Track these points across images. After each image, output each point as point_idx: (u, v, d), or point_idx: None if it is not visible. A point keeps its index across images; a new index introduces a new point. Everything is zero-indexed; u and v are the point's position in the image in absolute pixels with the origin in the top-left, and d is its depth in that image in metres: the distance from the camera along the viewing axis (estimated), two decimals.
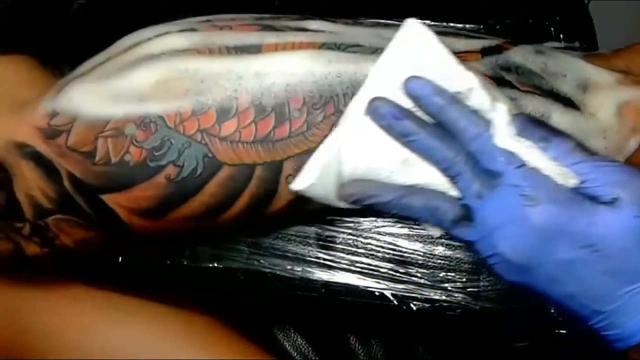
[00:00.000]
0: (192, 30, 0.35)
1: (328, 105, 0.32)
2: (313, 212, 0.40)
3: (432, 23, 0.47)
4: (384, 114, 0.30)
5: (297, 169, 0.33)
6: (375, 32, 0.36)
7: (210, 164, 0.32)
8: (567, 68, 0.36)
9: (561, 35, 0.45)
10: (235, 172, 0.32)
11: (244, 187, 0.33)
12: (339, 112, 0.32)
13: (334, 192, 0.32)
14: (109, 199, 0.33)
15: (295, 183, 0.32)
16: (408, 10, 0.48)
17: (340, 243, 0.44)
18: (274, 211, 0.34)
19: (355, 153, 0.31)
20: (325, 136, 0.32)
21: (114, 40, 0.37)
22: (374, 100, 0.31)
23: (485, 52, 0.36)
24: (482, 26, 0.46)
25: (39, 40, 0.45)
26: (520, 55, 0.36)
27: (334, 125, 0.32)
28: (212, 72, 0.32)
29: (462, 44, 0.36)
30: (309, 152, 0.32)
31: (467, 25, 0.47)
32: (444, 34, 0.37)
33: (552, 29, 0.46)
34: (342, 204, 0.33)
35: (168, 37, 0.34)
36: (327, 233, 0.44)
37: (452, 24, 0.47)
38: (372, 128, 0.31)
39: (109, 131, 0.32)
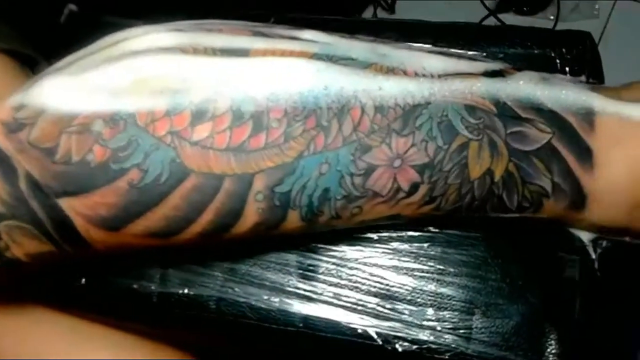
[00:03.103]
0: (179, 30, 0.33)
1: (309, 119, 0.30)
2: (292, 238, 0.37)
3: (435, 48, 0.46)
4: None
5: (269, 185, 0.30)
6: (370, 47, 0.34)
7: (176, 170, 0.29)
8: (571, 97, 0.33)
9: (567, 69, 0.43)
10: (202, 182, 0.29)
11: (209, 201, 0.30)
12: (320, 127, 0.30)
13: None
14: (65, 203, 0.30)
15: None
16: (411, 35, 0.46)
17: (322, 273, 0.41)
18: (238, 234, 0.31)
19: None
20: (302, 151, 0.30)
21: None
22: None
23: (487, 74, 0.33)
24: (484, 54, 0.44)
25: (27, 46, 0.44)
26: (524, 81, 0.33)
27: (312, 139, 0.30)
28: (193, 72, 0.30)
29: (464, 65, 0.34)
30: (283, 167, 0.30)
31: (469, 53, 0.45)
32: (447, 54, 0.35)
33: (557, 61, 0.44)
34: None
35: (153, 35, 0.32)
36: (309, 261, 0.41)
37: (454, 50, 0.45)
38: None
39: (74, 127, 0.29)
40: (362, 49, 0.33)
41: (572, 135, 0.33)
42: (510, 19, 1.18)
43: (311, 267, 0.41)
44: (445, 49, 0.36)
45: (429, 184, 0.32)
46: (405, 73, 0.32)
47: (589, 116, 0.33)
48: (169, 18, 0.38)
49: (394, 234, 0.41)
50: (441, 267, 0.40)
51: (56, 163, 0.29)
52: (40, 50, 0.45)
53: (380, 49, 0.34)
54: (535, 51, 0.44)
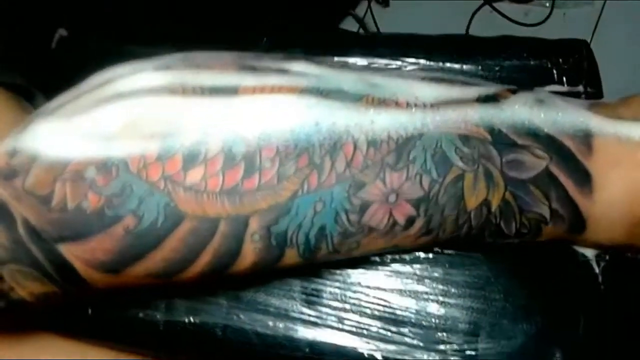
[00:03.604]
0: (167, 67, 0.33)
1: (302, 157, 0.30)
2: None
3: (428, 63, 0.45)
4: None
5: (264, 226, 0.30)
6: (361, 77, 0.33)
7: (171, 215, 0.29)
8: (568, 119, 0.33)
9: (564, 79, 0.43)
10: (198, 226, 0.30)
11: (207, 243, 0.30)
12: (312, 165, 0.30)
13: None
14: (64, 248, 0.30)
15: None
16: (404, 49, 0.46)
17: (326, 297, 0.41)
18: (238, 272, 0.31)
19: None
20: (296, 190, 0.30)
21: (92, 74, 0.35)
22: None
23: (481, 100, 0.33)
24: (480, 67, 0.44)
25: (17, 73, 0.44)
26: (519, 105, 0.33)
27: (305, 178, 0.30)
28: (183, 114, 0.30)
29: (457, 91, 0.34)
30: (278, 208, 0.30)
31: (465, 66, 0.44)
32: (438, 79, 0.35)
33: (554, 71, 0.43)
34: None
35: (141, 74, 0.32)
36: (312, 286, 0.41)
37: (448, 64, 0.45)
38: None
39: (68, 174, 0.29)
40: (353, 81, 0.33)
41: (570, 159, 0.32)
42: (505, 7, 1.17)
43: (315, 292, 0.41)
44: (437, 75, 0.35)
45: (425, 217, 0.32)
46: (397, 104, 0.32)
47: (586, 138, 0.32)
48: (156, 43, 0.38)
49: (397, 256, 0.41)
50: (444, 288, 0.40)
51: (52, 211, 0.29)
52: (33, 78, 0.45)
53: (372, 79, 0.33)
54: (532, 62, 0.44)
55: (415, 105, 0.32)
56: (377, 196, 0.31)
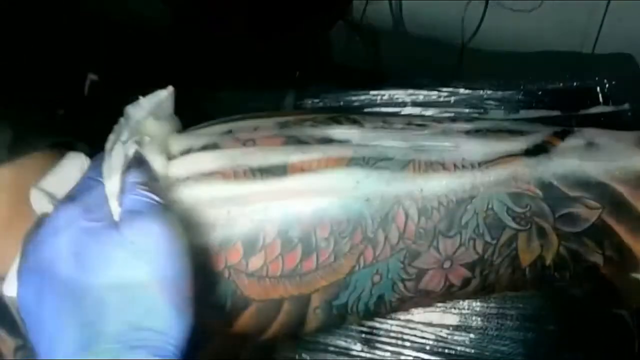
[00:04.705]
0: (215, 146, 0.33)
1: (356, 233, 0.31)
2: None
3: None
4: None
5: (326, 300, 0.31)
6: (405, 138, 0.33)
7: (238, 301, 0.31)
8: (619, 164, 0.33)
9: (610, 99, 0.42)
10: (263, 307, 0.31)
11: (273, 319, 0.32)
12: (366, 240, 0.31)
13: None
14: None
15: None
16: (448, 76, 0.46)
17: (384, 335, 0.42)
18: (307, 332, 0.33)
19: None
20: (353, 266, 0.31)
21: None
22: None
23: (529, 153, 0.33)
24: (522, 94, 0.43)
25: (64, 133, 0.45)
26: (568, 153, 0.33)
27: (361, 254, 0.31)
28: (238, 200, 0.31)
29: (504, 145, 0.33)
30: (337, 284, 0.31)
31: (506, 93, 0.44)
32: (484, 131, 0.34)
33: (599, 91, 0.42)
34: None
35: (192, 157, 0.33)
36: (370, 323, 0.43)
37: (490, 91, 0.44)
38: None
39: None
40: (398, 145, 0.33)
41: (622, 205, 0.32)
42: None
43: (373, 331, 0.42)
44: (482, 125, 0.35)
45: (481, 277, 0.32)
46: (444, 167, 0.32)
47: (638, 181, 0.32)
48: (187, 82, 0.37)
49: None
50: (499, 322, 0.41)
51: None
52: (70, 124, 0.46)
53: (416, 141, 0.33)
54: (575, 84, 0.43)
55: (463, 166, 0.32)
56: (432, 264, 0.31)
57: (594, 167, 0.33)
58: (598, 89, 0.42)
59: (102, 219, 0.25)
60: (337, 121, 0.35)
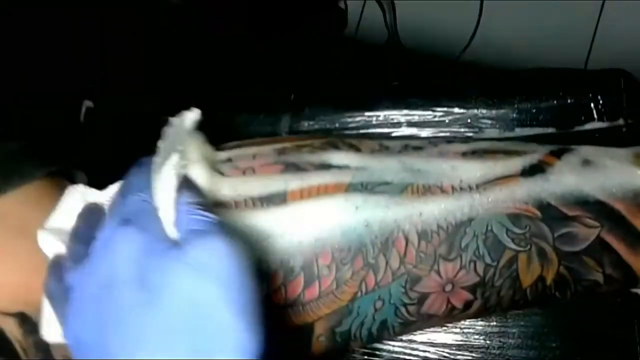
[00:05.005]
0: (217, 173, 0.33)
1: (357, 259, 0.31)
2: None
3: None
4: None
5: (329, 327, 0.31)
6: (402, 162, 0.33)
7: None
8: (616, 182, 0.33)
9: (604, 115, 0.42)
10: None
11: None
12: (368, 266, 0.31)
13: None
14: None
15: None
16: (442, 94, 0.46)
17: (386, 356, 0.42)
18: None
19: None
20: (355, 293, 0.31)
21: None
22: None
23: (526, 173, 0.33)
24: (516, 111, 0.44)
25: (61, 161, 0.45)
26: (566, 171, 0.33)
27: (362, 280, 0.31)
28: (240, 231, 0.31)
29: (501, 166, 0.33)
30: (340, 311, 0.31)
31: (500, 112, 0.44)
32: (480, 153, 0.34)
33: (592, 107, 0.42)
34: None
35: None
36: (372, 345, 0.43)
37: (484, 110, 0.44)
38: None
39: None
40: (395, 169, 0.33)
41: (621, 223, 0.32)
42: None
43: (376, 352, 0.42)
44: (478, 146, 0.35)
45: (482, 299, 0.32)
46: (442, 190, 0.32)
47: (636, 199, 0.32)
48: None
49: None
50: (501, 340, 0.41)
51: None
52: (68, 152, 0.46)
53: (413, 164, 0.33)
54: (569, 100, 0.43)
55: (461, 188, 0.32)
56: (433, 288, 0.31)
57: (591, 186, 0.33)
58: (592, 105, 0.43)
59: (164, 240, 0.23)
60: (335, 146, 0.35)
